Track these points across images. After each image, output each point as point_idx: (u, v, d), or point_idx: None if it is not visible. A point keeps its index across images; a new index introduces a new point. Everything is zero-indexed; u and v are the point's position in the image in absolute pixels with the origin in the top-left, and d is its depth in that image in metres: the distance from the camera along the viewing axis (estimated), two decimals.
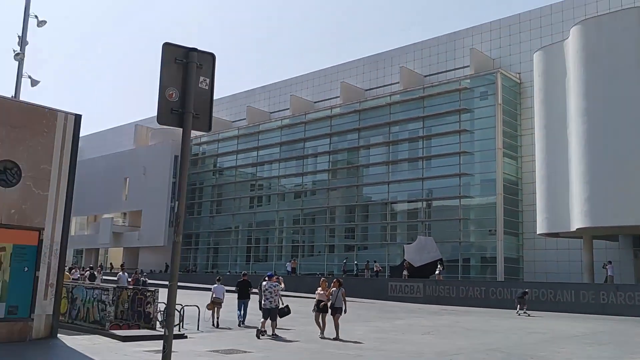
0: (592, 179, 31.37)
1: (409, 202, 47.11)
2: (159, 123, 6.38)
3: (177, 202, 6.09)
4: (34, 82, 21.99)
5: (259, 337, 15.30)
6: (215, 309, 19.31)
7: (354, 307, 29.40)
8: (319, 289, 16.88)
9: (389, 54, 53.42)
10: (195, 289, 38.49)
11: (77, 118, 14.22)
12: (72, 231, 77.48)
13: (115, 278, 30.86)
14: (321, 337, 15.74)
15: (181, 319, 17.30)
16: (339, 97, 54.16)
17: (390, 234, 47.80)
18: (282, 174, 56.41)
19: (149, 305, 15.44)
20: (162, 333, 14.74)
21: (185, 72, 6.28)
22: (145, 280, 31.53)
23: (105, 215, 70.92)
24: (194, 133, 66.88)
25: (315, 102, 57.82)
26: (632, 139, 30.10)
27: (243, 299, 19.87)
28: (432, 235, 43.66)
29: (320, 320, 16.31)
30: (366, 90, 53.99)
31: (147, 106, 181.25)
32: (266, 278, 16.41)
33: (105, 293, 14.92)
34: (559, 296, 29.58)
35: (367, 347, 14.07)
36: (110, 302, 14.70)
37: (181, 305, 17.21)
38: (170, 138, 65.64)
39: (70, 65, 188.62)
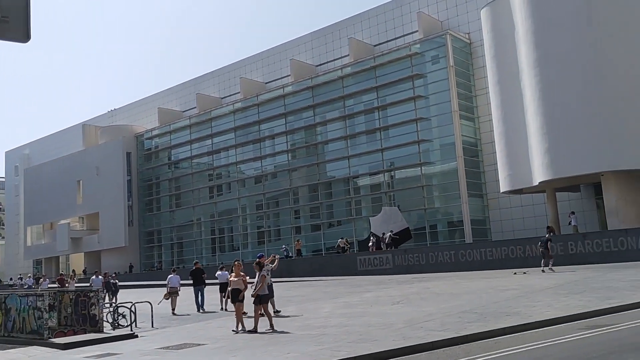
0: (549, 130, 30.95)
1: (370, 174, 46.30)
2: None
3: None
4: None
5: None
6: (172, 298, 20.41)
7: (322, 285, 28.54)
8: (232, 274, 14.32)
9: (337, 27, 52.16)
10: (160, 286, 36.99)
11: None
12: (28, 241, 74.69)
13: (88, 284, 29.16)
14: (235, 332, 13.35)
15: (134, 318, 16.07)
16: (290, 75, 52.78)
17: (355, 209, 47.00)
18: (240, 160, 54.90)
19: (93, 307, 14.11)
20: (110, 335, 13.51)
21: None
22: (116, 283, 29.27)
23: (62, 221, 68.23)
24: (144, 126, 65.13)
25: (266, 83, 56.30)
26: (585, 86, 29.70)
27: (198, 286, 20.75)
28: (398, 205, 43.08)
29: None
30: (317, 65, 52.72)
31: (93, 104, 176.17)
32: (257, 259, 15.39)
33: (41, 299, 13.52)
34: (528, 252, 29.17)
35: (332, 324, 13.09)
36: (46, 308, 13.33)
37: (131, 302, 15.97)
38: (121, 135, 63.40)
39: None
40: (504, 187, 35.94)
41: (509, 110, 34.96)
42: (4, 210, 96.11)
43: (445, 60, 41.74)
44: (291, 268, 40.30)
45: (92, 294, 14.20)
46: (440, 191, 42.85)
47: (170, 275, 21.51)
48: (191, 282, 21.45)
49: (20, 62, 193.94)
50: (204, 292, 20.76)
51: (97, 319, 14.07)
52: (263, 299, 13.39)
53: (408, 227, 39.13)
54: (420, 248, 36.03)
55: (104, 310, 14.98)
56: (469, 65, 43.41)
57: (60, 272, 52.02)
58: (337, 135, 47.84)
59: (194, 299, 20.62)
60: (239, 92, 56.71)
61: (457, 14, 44.52)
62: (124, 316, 16.05)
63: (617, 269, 22.00)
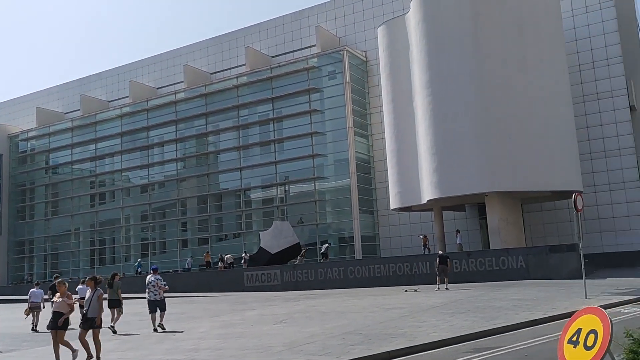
0: (438, 150, 31.46)
1: (263, 187, 45.19)
2: None
3: None
4: None
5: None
6: (34, 313, 19.43)
7: (205, 301, 26.92)
8: (57, 294, 11.71)
9: (234, 35, 50.91)
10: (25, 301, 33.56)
11: None
12: None
13: None
14: None
15: None
16: (183, 81, 50.70)
17: (245, 222, 45.64)
18: (126, 167, 51.81)
19: None
20: None
21: None
22: None
23: None
24: (20, 127, 59.94)
25: (158, 88, 53.75)
26: (472, 108, 30.49)
27: None
28: (290, 219, 42.26)
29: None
30: (212, 73, 51.07)
31: None
32: (151, 272, 16.75)
33: None
34: (415, 269, 29.33)
35: (204, 347, 11.78)
36: None
37: None
38: None
39: None
40: (394, 204, 36.18)
41: (401, 129, 35.33)
42: None
43: (342, 76, 41.76)
44: (175, 283, 38.11)
45: None
46: (333, 207, 42.58)
47: (32, 289, 20.63)
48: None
49: None
50: None
51: None
52: (92, 324, 10.82)
53: (299, 242, 38.31)
54: (309, 264, 35.33)
55: None
56: (365, 83, 43.75)
57: None
58: (229, 146, 46.37)
59: None
60: (127, 97, 53.71)
61: (355, 31, 44.83)
62: None
63: (499, 287, 22.35)
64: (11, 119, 62.39)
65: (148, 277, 16.82)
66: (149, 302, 16.22)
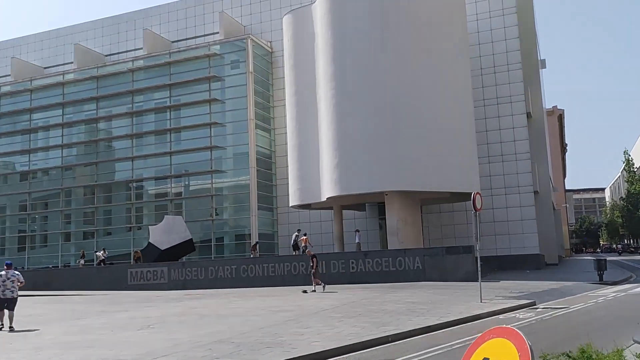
0: (340, 146, 30.37)
1: (156, 179, 42.31)
2: None
3: None
4: None
5: None
6: None
7: (76, 301, 24.21)
8: None
9: (131, 16, 47.58)
10: None
11: None
12: None
13: None
14: None
15: None
16: (72, 62, 46.72)
17: (136, 216, 42.59)
18: (4, 152, 46.99)
19: None
20: None
21: None
22: None
23: None
24: None
25: (45, 68, 49.33)
26: (376, 105, 29.66)
27: None
28: (185, 214, 39.78)
29: None
30: (106, 55, 47.45)
31: None
32: (5, 267, 15.07)
33: None
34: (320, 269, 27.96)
35: None
36: None
37: None
38: None
39: None
40: (293, 201, 34.75)
41: (304, 123, 33.96)
42: None
43: (245, 65, 39.89)
44: (51, 280, 34.71)
45: None
46: (231, 202, 40.57)
47: None
48: None
49: None
50: None
51: None
52: None
53: (191, 239, 35.94)
54: (199, 262, 33.23)
55: None
56: (269, 74, 42.10)
57: None
58: (122, 133, 43.09)
59: None
60: (9, 75, 48.83)
61: (261, 20, 43.06)
62: None
63: (394, 289, 21.44)
64: None
65: (2, 273, 15.03)
66: (1, 300, 14.75)
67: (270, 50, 42.18)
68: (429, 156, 29.44)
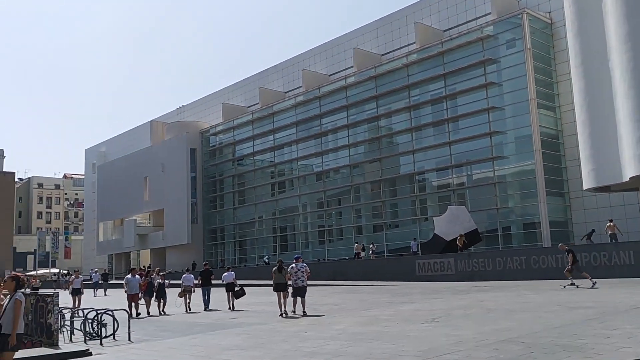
0: None
1: (437, 170, 42.35)
2: None
3: None
4: None
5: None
6: (186, 295, 21.98)
7: (367, 291, 25.32)
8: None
9: (403, 12, 48.50)
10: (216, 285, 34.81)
11: None
12: (100, 237, 76.00)
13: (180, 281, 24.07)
14: None
15: (117, 327, 13.70)
16: (352, 66, 49.71)
17: (420, 208, 43.25)
18: (302, 156, 52.39)
19: (49, 315, 11.73)
20: (66, 351, 11.09)
21: None
22: (164, 283, 22.34)
23: (130, 217, 68.59)
24: (208, 123, 64.06)
25: (330, 75, 53.47)
26: None
27: (206, 286, 22.40)
28: (468, 204, 38.95)
29: None
30: (382, 55, 49.27)
31: (166, 102, 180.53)
32: (294, 261, 17.35)
33: None
34: (614, 259, 24.65)
35: (324, 351, 9.95)
36: None
37: (106, 310, 13.60)
38: (185, 130, 62.67)
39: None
40: (587, 183, 31.00)
41: (594, 95, 30.06)
42: (82, 206, 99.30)
43: (522, 42, 37.26)
44: (344, 271, 37.36)
45: (48, 299, 11.83)
46: (515, 189, 38.33)
47: (184, 275, 23.22)
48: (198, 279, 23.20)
49: (98, 65, 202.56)
50: (211, 292, 22.42)
51: (52, 329, 11.67)
52: (4, 344, 7.63)
53: (477, 229, 34.95)
54: (486, 253, 31.94)
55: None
56: (550, 48, 38.62)
57: (142, 266, 51.66)
58: (401, 128, 44.24)
59: (202, 297, 22.16)
60: (301, 86, 54.27)
61: None
62: (104, 325, 13.65)
63: None
64: (202, 116, 66.98)
65: (292, 265, 17.25)
66: (294, 289, 16.98)
67: (549, 21, 38.68)
68: None
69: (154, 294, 21.71)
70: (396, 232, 44.61)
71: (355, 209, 47.75)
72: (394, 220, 45.42)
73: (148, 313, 20.89)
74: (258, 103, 58.61)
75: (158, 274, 22.90)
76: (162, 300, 21.61)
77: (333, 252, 48.77)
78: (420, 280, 31.02)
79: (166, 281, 23.64)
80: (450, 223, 35.27)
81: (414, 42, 45.24)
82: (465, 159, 40.42)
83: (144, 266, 52.98)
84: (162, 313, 21.03)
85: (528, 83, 36.61)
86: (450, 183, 41.56)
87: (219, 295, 22.90)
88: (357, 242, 41.76)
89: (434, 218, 37.34)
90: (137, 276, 21.07)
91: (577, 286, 20.36)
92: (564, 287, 20.85)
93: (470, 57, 39.95)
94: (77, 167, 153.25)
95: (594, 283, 20.33)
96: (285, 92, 57.44)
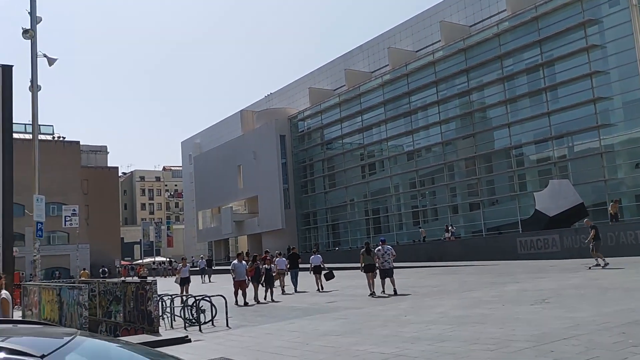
0: None
1: (536, 143, 40.07)
2: None
3: None
4: (51, 61, 19.50)
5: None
6: (280, 278, 23.11)
7: (467, 272, 24.34)
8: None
9: None
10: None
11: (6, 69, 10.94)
12: (200, 225, 78.92)
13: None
14: None
15: (215, 313, 13.79)
16: (440, 40, 47.95)
17: (519, 183, 41.18)
18: (391, 136, 51.39)
19: (149, 303, 11.91)
20: (166, 338, 11.22)
21: None
22: (270, 268, 21.49)
23: (227, 205, 70.62)
24: (297, 108, 64.36)
25: (417, 51, 51.93)
26: None
27: (293, 269, 23.34)
28: (571, 177, 36.58)
29: None
30: (470, 26, 47.17)
31: (251, 92, 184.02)
32: (380, 243, 18.25)
33: (82, 293, 11.60)
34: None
35: (426, 337, 9.34)
36: (85, 304, 11.38)
37: (204, 297, 13.70)
38: (274, 117, 63.34)
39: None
40: None
41: None
42: (182, 196, 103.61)
43: None
44: (444, 251, 36.34)
45: (147, 287, 12.01)
46: (625, 158, 35.52)
47: (277, 259, 24.10)
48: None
49: (191, 62, 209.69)
50: (298, 275, 23.48)
51: (152, 316, 11.84)
52: None
53: (582, 203, 32.71)
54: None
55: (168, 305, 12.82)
56: None
57: (266, 251, 52.85)
58: (494, 101, 42.21)
59: (290, 280, 23.46)
60: (387, 65, 53.13)
61: None
62: (203, 311, 13.77)
63: None
64: (290, 102, 67.45)
65: (378, 248, 18.11)
66: (381, 270, 17.64)
67: None
68: None
69: (261, 280, 20.64)
70: (495, 209, 42.82)
71: (449, 187, 46.29)
72: (490, 197, 43.62)
73: (256, 300, 19.78)
74: (344, 85, 58.12)
75: (264, 260, 21.93)
76: (269, 288, 20.74)
77: (430, 233, 47.50)
78: (522, 259, 29.51)
79: (272, 266, 22.50)
80: (553, 198, 33.20)
81: (504, 10, 42.88)
82: (566, 129, 37.92)
83: (248, 252, 54.25)
84: (272, 300, 20.13)
85: (635, 42, 33.66)
86: (551, 156, 39.21)
87: (308, 278, 23.29)
88: (420, 228, 40.57)
89: (535, 193, 35.35)
90: (243, 262, 20.19)
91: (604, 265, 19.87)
92: (590, 267, 20.50)
93: (568, 20, 37.27)
94: (175, 159, 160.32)
95: (606, 264, 20.13)
96: (372, 72, 56.48)
